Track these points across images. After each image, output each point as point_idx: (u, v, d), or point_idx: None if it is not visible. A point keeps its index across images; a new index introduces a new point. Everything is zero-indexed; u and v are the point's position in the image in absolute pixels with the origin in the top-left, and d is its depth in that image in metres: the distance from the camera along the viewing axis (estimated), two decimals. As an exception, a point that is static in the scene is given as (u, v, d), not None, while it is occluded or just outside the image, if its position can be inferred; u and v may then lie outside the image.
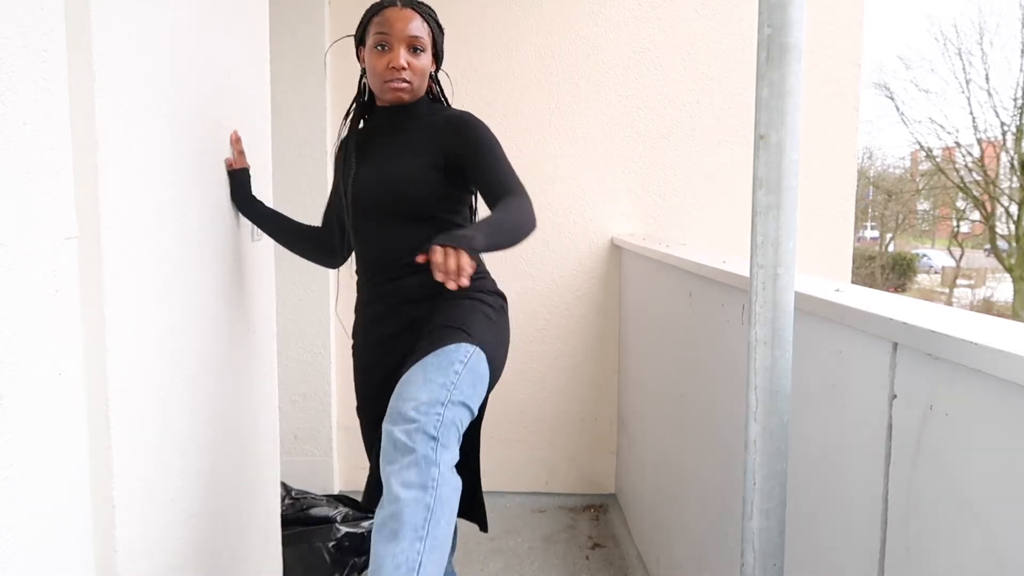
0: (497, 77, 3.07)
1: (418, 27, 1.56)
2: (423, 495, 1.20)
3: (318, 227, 1.81)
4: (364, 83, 1.69)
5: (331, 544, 2.28)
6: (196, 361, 1.47)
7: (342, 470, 3.17)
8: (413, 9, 1.58)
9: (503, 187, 1.48)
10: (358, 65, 1.67)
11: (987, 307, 16.43)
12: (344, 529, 2.32)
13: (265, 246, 1.93)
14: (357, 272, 1.70)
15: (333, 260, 1.82)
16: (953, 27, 22.70)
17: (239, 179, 1.70)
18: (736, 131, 3.07)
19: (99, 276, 1.11)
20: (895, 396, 0.95)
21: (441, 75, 1.72)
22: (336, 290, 1.76)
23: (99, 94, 1.10)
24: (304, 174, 2.97)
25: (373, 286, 1.64)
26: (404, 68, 1.54)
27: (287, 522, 2.30)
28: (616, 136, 3.08)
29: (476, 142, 1.54)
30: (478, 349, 1.42)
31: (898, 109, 26.07)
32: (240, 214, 1.74)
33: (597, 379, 3.14)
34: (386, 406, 1.34)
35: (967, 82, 16.09)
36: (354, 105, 1.71)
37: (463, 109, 1.64)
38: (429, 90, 1.66)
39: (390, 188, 1.58)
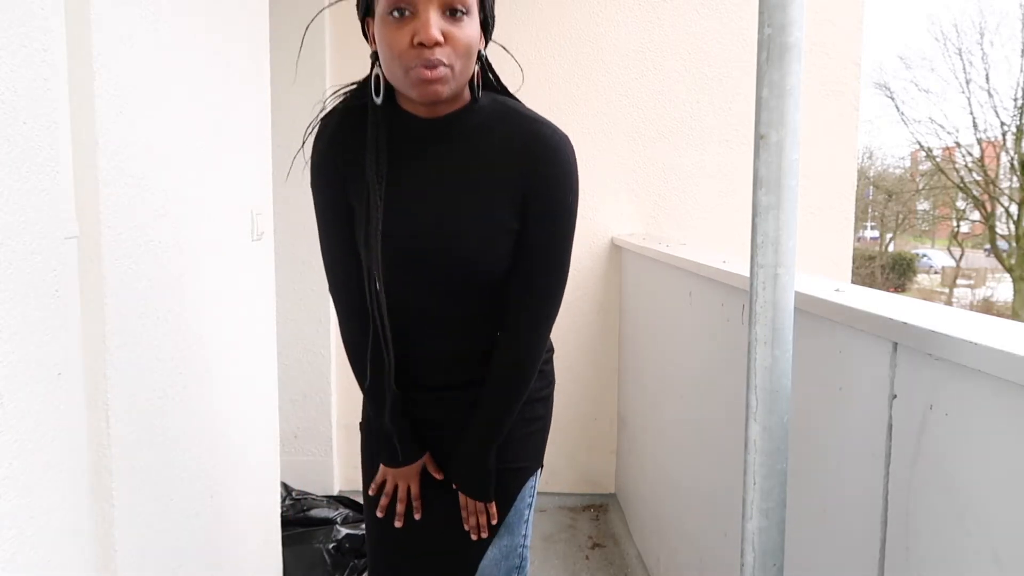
0: (497, 77, 3.06)
1: None
2: None
3: (361, 323, 1.16)
4: (376, 74, 1.07)
5: (331, 545, 2.28)
6: (196, 361, 1.47)
7: (342, 470, 3.17)
8: None
9: (528, 306, 1.14)
10: (365, 60, 1.10)
11: (987, 307, 16.43)
12: (344, 531, 2.33)
13: (265, 246, 1.93)
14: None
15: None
16: (953, 27, 22.70)
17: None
18: (736, 131, 3.07)
19: (99, 276, 1.11)
20: (895, 396, 0.95)
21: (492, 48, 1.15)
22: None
23: (99, 94, 1.10)
24: (304, 175, 2.96)
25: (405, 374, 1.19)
26: (439, 44, 0.96)
27: (287, 523, 2.30)
28: (616, 136, 3.08)
29: (553, 221, 1.11)
30: (532, 479, 1.36)
31: (898, 109, 26.10)
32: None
33: (597, 379, 3.14)
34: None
35: (967, 82, 16.12)
36: (360, 93, 1.13)
37: (549, 124, 1.11)
38: (476, 78, 1.08)
39: (447, 252, 1.08)
